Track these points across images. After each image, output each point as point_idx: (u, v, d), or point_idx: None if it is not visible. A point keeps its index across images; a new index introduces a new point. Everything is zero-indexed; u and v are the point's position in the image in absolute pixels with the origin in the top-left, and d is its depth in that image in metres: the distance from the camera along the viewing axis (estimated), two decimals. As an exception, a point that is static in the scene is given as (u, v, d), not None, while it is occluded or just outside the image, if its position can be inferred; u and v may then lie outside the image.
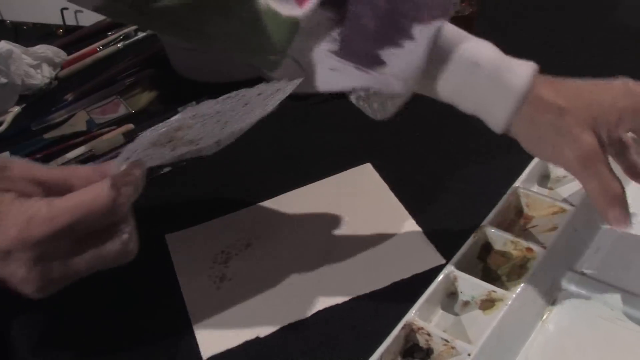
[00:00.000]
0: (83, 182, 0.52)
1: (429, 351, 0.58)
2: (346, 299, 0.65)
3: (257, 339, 0.63)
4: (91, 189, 0.50)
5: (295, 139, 0.88)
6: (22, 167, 0.52)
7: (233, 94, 0.56)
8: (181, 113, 0.54)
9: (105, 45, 1.14)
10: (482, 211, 0.67)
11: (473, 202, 0.71)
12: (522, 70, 0.57)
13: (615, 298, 0.60)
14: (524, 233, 0.67)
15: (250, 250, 0.72)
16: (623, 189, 0.55)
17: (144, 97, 1.01)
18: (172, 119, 0.54)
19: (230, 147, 0.88)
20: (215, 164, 0.86)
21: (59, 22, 1.23)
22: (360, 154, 0.82)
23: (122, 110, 0.99)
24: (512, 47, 0.98)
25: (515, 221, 0.69)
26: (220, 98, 0.54)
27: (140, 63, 1.08)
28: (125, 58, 1.10)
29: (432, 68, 0.58)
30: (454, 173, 0.77)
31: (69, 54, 1.12)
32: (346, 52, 0.57)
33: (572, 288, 0.62)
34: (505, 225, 0.67)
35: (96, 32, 1.18)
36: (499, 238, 0.65)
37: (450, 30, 0.58)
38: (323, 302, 0.65)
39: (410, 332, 0.58)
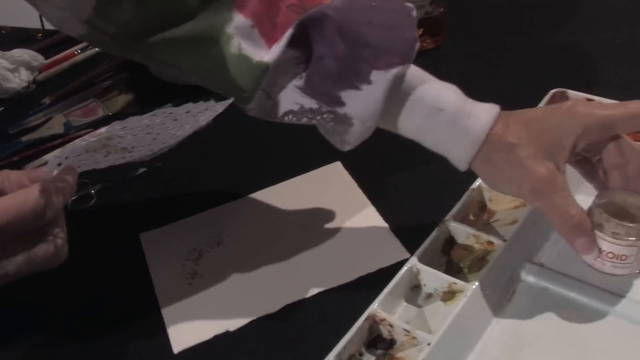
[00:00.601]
0: (14, 186, 0.54)
1: (392, 341, 0.60)
2: (314, 292, 0.67)
3: (227, 332, 0.65)
4: (20, 192, 0.51)
5: (265, 138, 0.90)
6: None
7: (159, 110, 0.59)
8: (108, 127, 0.57)
9: (83, 49, 1.15)
10: (447, 206, 0.69)
11: (438, 198, 0.73)
12: (483, 116, 0.59)
13: (571, 288, 0.62)
14: (487, 227, 0.69)
15: (222, 248, 0.74)
16: (584, 215, 0.57)
17: (121, 100, 1.02)
18: (99, 130, 0.56)
19: (203, 146, 0.90)
20: (187, 165, 0.88)
21: (38, 26, 1.24)
22: (331, 152, 0.83)
23: (99, 113, 1.00)
24: (482, 45, 1.01)
25: (479, 215, 0.71)
26: (147, 115, 0.57)
27: (117, 66, 1.09)
28: (102, 61, 1.11)
29: (394, 109, 0.60)
30: (421, 170, 0.79)
31: (47, 57, 1.13)
32: (309, 89, 0.60)
33: (531, 279, 0.64)
34: (469, 219, 0.69)
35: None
36: (461, 232, 0.67)
37: (414, 73, 0.60)
38: (291, 296, 0.67)
39: (374, 323, 0.60)
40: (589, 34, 0.98)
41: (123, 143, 0.59)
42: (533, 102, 0.79)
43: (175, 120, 0.61)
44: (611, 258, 0.59)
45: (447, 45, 1.01)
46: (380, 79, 0.57)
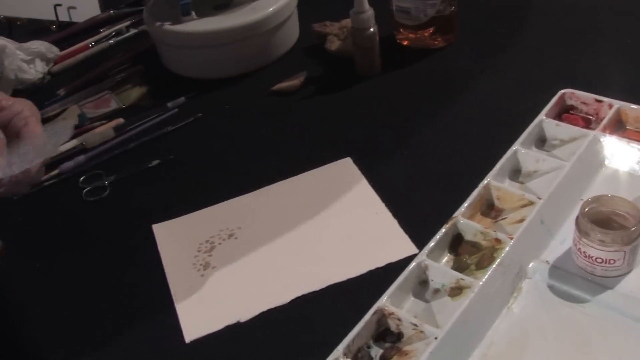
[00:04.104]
0: None
1: (399, 335, 0.61)
2: (323, 285, 0.68)
3: (238, 323, 0.66)
4: None
5: (278, 133, 0.91)
6: None
7: None
8: None
9: (97, 42, 1.17)
10: (457, 204, 0.70)
11: (448, 195, 0.74)
12: None
13: (577, 286, 0.63)
14: (495, 225, 0.70)
15: (234, 240, 0.75)
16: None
17: (135, 93, 1.03)
18: None
19: (216, 140, 0.92)
20: (200, 158, 0.89)
21: (52, 17, 1.26)
22: (342, 149, 0.85)
23: (112, 105, 1.01)
24: (491, 44, 1.02)
25: (487, 213, 0.72)
26: None
27: (131, 59, 1.11)
28: (116, 54, 1.13)
29: None
30: (431, 167, 0.81)
31: (61, 49, 1.14)
32: None
33: (537, 277, 0.65)
34: (477, 217, 0.71)
35: (89, 28, 1.21)
36: (469, 229, 0.68)
37: None
38: (301, 289, 0.68)
39: (382, 317, 0.61)
40: (600, 34, 0.98)
41: None
42: (542, 102, 0.80)
43: None
44: (600, 263, 0.61)
45: (458, 44, 1.02)
46: None
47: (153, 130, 0.95)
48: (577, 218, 0.63)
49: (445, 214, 0.69)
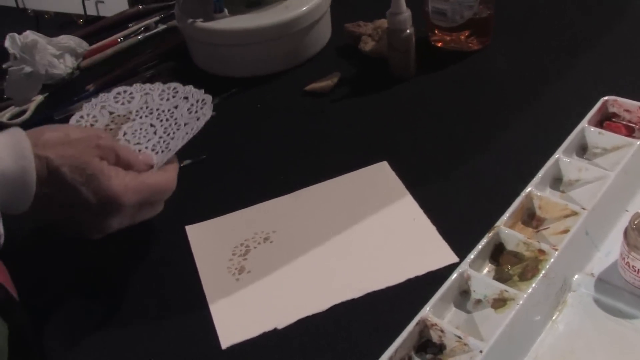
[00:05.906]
0: (139, 165, 0.70)
1: (441, 347, 0.60)
2: (361, 294, 0.67)
3: (275, 330, 0.65)
4: (163, 174, 0.70)
5: (313, 135, 0.90)
6: (108, 139, 0.68)
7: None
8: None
9: (126, 37, 1.16)
10: (496, 212, 0.68)
11: (487, 203, 0.73)
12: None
13: (624, 300, 0.62)
14: (536, 235, 0.69)
15: (269, 244, 0.74)
16: None
17: (165, 90, 1.02)
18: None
19: (249, 140, 0.91)
20: (231, 158, 0.88)
21: (80, 11, 1.25)
22: (377, 152, 0.84)
23: (142, 102, 1.00)
24: (528, 48, 1.00)
25: (528, 223, 0.70)
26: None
27: (161, 55, 1.10)
28: (146, 50, 1.12)
29: None
30: (469, 173, 0.79)
31: (90, 44, 1.13)
32: None
33: (582, 290, 0.64)
34: (517, 226, 0.69)
35: (117, 23, 1.20)
36: (511, 239, 0.66)
37: None
38: (339, 296, 0.67)
39: (424, 327, 0.60)
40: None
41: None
42: (582, 109, 0.79)
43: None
44: None
45: (493, 47, 1.00)
46: None
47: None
48: (626, 231, 0.61)
49: (484, 222, 0.68)
